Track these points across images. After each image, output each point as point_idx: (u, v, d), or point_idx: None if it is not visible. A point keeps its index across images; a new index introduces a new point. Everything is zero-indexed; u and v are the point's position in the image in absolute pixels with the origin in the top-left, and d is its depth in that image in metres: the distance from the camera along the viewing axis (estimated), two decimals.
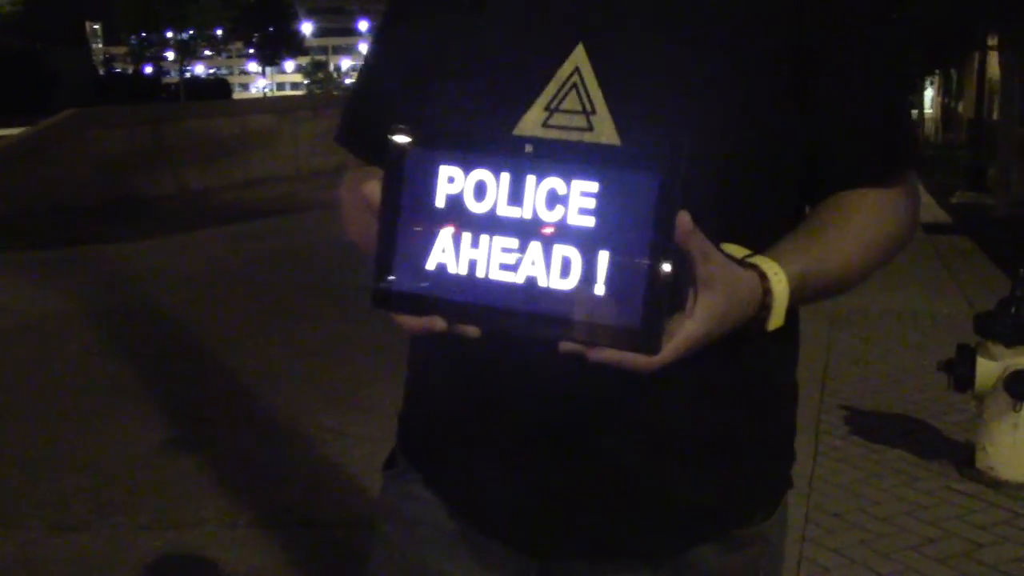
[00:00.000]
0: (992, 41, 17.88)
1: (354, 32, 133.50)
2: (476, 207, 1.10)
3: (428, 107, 1.34)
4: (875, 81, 1.34)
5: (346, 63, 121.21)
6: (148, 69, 75.79)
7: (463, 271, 1.11)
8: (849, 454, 4.78)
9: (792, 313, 1.25)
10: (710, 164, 1.19)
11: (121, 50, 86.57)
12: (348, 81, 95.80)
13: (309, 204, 14.83)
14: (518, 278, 1.09)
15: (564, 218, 1.07)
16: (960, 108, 37.97)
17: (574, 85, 1.27)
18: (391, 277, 1.13)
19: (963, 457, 4.66)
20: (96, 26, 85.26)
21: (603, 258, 1.06)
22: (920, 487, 4.45)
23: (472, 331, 1.10)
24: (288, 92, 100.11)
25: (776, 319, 1.20)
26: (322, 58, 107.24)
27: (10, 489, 4.80)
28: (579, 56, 1.26)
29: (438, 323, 1.11)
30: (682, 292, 1.09)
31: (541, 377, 1.23)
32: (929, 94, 40.62)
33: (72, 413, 5.93)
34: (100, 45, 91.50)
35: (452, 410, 1.40)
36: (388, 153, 1.14)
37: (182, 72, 69.66)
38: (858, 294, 7.58)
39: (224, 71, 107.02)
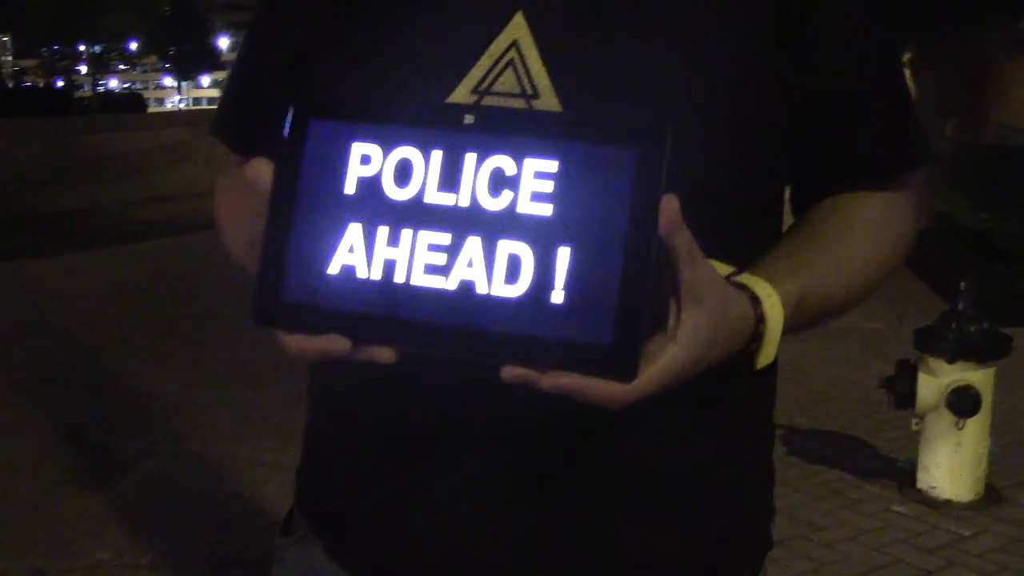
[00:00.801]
0: (905, 57, 18.10)
1: None
2: (397, 193, 0.85)
3: (331, 84, 1.08)
4: (878, 67, 1.12)
5: None
6: (60, 83, 74.66)
7: (376, 276, 0.85)
8: (787, 476, 4.60)
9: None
10: (688, 154, 0.89)
11: (32, 63, 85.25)
12: None
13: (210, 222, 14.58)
14: (450, 284, 0.84)
15: (512, 205, 0.83)
16: None
17: (511, 62, 1.02)
18: (281, 284, 0.87)
19: (904, 477, 4.51)
20: (5, 38, 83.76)
21: (563, 256, 0.82)
22: (862, 509, 4.31)
23: (386, 354, 0.84)
24: (204, 107, 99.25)
25: (767, 353, 0.97)
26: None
27: None
28: (518, 27, 1.02)
29: (340, 343, 0.84)
30: (663, 306, 0.86)
31: (479, 414, 0.97)
32: None
33: None
34: (9, 58, 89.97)
35: (365, 460, 1.12)
36: (290, 127, 0.88)
37: (95, 86, 68.68)
38: None
39: (139, 85, 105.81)
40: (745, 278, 0.96)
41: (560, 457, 1.01)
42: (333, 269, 0.85)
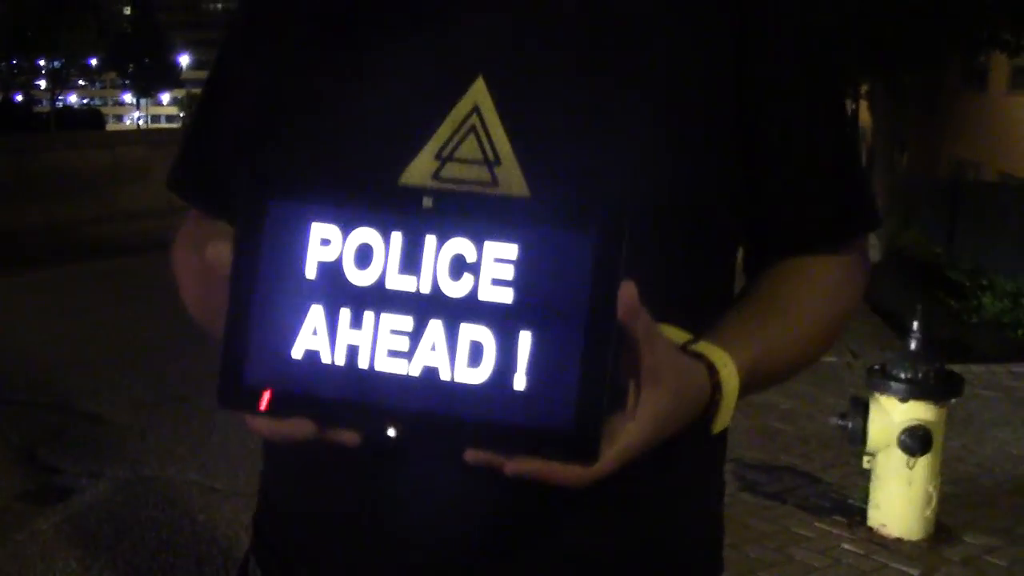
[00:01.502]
0: (863, 89, 18.27)
1: None
2: (358, 277, 0.86)
3: (289, 150, 1.08)
4: (828, 130, 1.13)
5: None
6: (18, 97, 73.88)
7: (340, 360, 0.86)
8: (738, 511, 4.61)
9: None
10: (640, 217, 0.91)
11: None
12: None
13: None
14: (413, 368, 0.85)
15: (474, 291, 0.84)
16: None
17: (472, 128, 1.02)
18: (244, 368, 0.87)
19: (854, 514, 4.55)
20: None
21: (524, 341, 0.83)
22: (813, 547, 4.32)
23: (351, 437, 0.86)
24: (163, 124, 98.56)
25: (723, 419, 0.99)
26: (198, 90, 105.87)
27: None
28: (479, 92, 1.02)
29: (305, 428, 0.86)
30: (622, 386, 0.87)
31: (441, 496, 0.98)
32: None
33: None
34: None
35: (321, 532, 1.11)
36: (242, 207, 0.89)
37: (53, 102, 68.01)
38: None
39: (98, 102, 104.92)
40: (702, 346, 0.98)
41: (518, 531, 1.03)
42: (296, 353, 0.86)
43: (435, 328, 0.84)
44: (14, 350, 8.29)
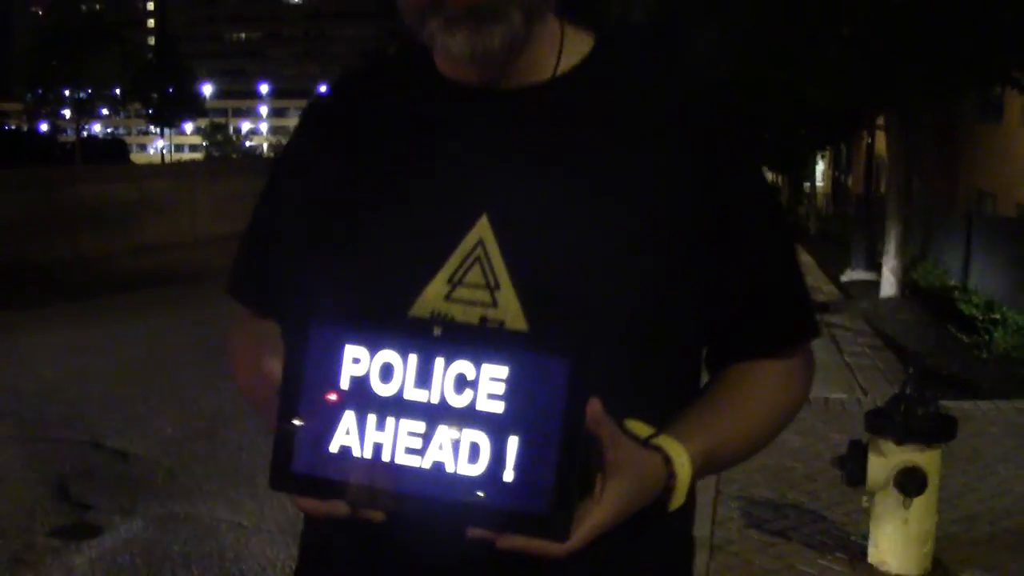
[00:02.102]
0: (879, 121, 18.45)
1: (254, 95, 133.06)
2: (382, 389, 1.09)
3: (326, 271, 1.32)
4: (776, 258, 1.37)
5: (245, 125, 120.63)
6: (44, 127, 74.56)
7: (368, 454, 1.08)
8: (744, 548, 4.80)
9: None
10: (615, 333, 1.20)
11: (16, 107, 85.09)
12: (248, 144, 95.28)
13: (204, 272, 14.61)
14: (425, 463, 1.07)
15: (473, 403, 1.07)
16: (850, 182, 38.85)
17: (477, 258, 1.24)
18: (292, 459, 1.10)
19: (856, 551, 4.72)
20: None
21: (512, 444, 1.05)
22: None
23: (377, 516, 1.08)
24: (187, 154, 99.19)
25: (678, 500, 1.20)
26: (221, 120, 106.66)
27: None
28: (483, 228, 1.25)
29: (341, 508, 1.09)
30: (590, 478, 1.09)
31: (447, 562, 1.19)
32: (820, 168, 41.63)
33: None
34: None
35: None
36: (289, 332, 1.13)
37: (79, 131, 68.59)
38: None
39: (122, 131, 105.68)
40: (661, 440, 1.20)
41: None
42: (333, 448, 1.09)
43: (443, 432, 1.07)
44: (44, 385, 8.52)
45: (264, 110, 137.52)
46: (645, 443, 1.18)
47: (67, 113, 70.33)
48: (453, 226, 1.26)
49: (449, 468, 1.07)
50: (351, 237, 1.31)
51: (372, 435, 1.09)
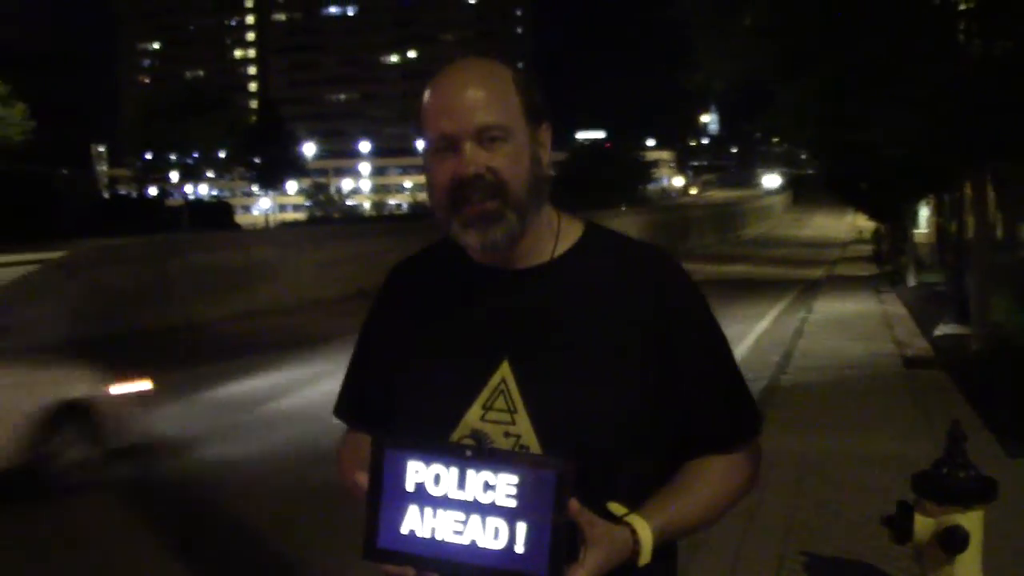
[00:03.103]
0: (967, 176, 18.51)
1: (354, 154, 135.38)
2: (434, 491, 1.63)
3: (400, 401, 1.90)
4: (715, 380, 1.90)
5: (347, 184, 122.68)
6: (152, 191, 76.90)
7: (427, 534, 1.62)
8: None
9: (667, 545, 1.78)
10: (601, 440, 1.76)
11: (126, 173, 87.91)
12: (349, 203, 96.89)
13: (310, 336, 15.23)
14: (464, 540, 1.61)
15: (494, 500, 1.60)
16: (953, 228, 37.80)
17: (502, 391, 1.80)
18: (376, 538, 1.64)
19: None
20: (101, 148, 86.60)
21: (521, 527, 1.58)
22: None
23: None
24: (290, 213, 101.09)
25: (644, 559, 1.71)
26: (323, 179, 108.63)
27: None
28: (505, 369, 1.81)
29: (410, 572, 1.62)
30: (576, 548, 1.61)
31: None
32: (924, 213, 40.64)
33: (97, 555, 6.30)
34: (105, 168, 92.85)
35: None
36: (372, 453, 1.66)
37: (185, 195, 70.63)
38: (830, 437, 7.92)
39: (227, 193, 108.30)
40: (630, 518, 1.72)
41: None
42: (404, 530, 1.63)
43: (475, 520, 1.60)
44: (160, 446, 9.14)
45: (365, 169, 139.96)
46: (618, 520, 1.70)
47: (174, 177, 72.36)
48: (483, 369, 1.82)
49: (480, 544, 1.60)
50: (410, 380, 1.89)
51: (429, 521, 1.62)
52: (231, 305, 18.78)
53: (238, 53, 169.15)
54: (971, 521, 4.79)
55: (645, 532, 1.71)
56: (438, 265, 1.97)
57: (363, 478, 1.66)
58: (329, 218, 46.88)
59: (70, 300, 15.49)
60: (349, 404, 2.09)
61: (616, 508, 1.73)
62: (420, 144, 1.88)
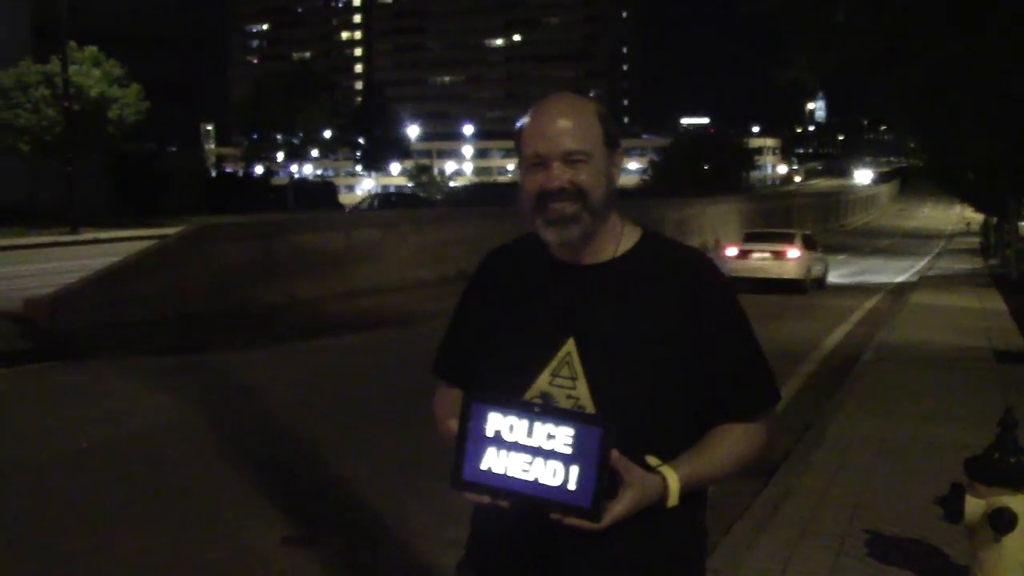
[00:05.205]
0: None
1: (457, 137, 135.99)
2: (509, 436, 2.08)
3: (485, 363, 2.37)
4: (741, 360, 2.32)
5: (449, 166, 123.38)
6: (259, 170, 78.26)
7: (500, 471, 2.07)
8: (861, 573, 5.52)
9: (693, 495, 2.22)
10: (643, 406, 2.20)
11: (232, 151, 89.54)
12: (452, 184, 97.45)
13: (411, 316, 15.65)
14: (529, 477, 2.06)
15: (554, 447, 2.05)
16: None
17: (567, 362, 2.26)
18: (462, 471, 2.10)
19: None
20: (210, 127, 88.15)
21: (573, 470, 2.03)
22: None
23: (504, 505, 2.07)
24: (393, 199, 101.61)
25: (671, 501, 2.15)
26: (426, 161, 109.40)
27: None
28: (570, 345, 2.27)
29: (487, 500, 2.08)
30: (615, 488, 2.05)
31: (540, 530, 2.16)
32: None
33: (196, 514, 6.78)
34: (213, 146, 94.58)
35: (494, 543, 2.36)
36: (462, 405, 2.12)
37: (290, 175, 71.76)
38: (911, 425, 8.16)
39: (331, 172, 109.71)
40: (662, 468, 2.15)
41: (569, 549, 2.20)
42: (483, 467, 2.08)
43: (539, 461, 2.04)
44: (263, 416, 9.65)
45: (468, 151, 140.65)
46: (651, 469, 2.14)
47: (280, 156, 73.41)
48: (553, 343, 2.28)
49: (541, 481, 2.04)
50: (495, 347, 2.36)
51: (503, 461, 2.07)
52: (333, 285, 19.16)
53: (344, 35, 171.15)
54: (1020, 504, 5.12)
55: (673, 480, 2.15)
56: (523, 256, 2.44)
57: (453, 424, 2.12)
58: (429, 208, 47.58)
59: (185, 275, 16.12)
60: (444, 363, 2.57)
61: (651, 460, 2.16)
62: (515, 160, 2.41)
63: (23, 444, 8.78)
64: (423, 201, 60.42)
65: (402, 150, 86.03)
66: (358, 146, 79.10)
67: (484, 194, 54.57)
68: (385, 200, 54.75)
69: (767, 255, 25.91)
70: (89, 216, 38.78)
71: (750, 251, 26.42)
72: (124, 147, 46.45)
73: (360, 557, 6.04)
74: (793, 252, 25.78)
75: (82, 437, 8.85)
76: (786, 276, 25.46)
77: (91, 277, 15.37)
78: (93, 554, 6.04)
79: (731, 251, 26.92)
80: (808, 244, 26.85)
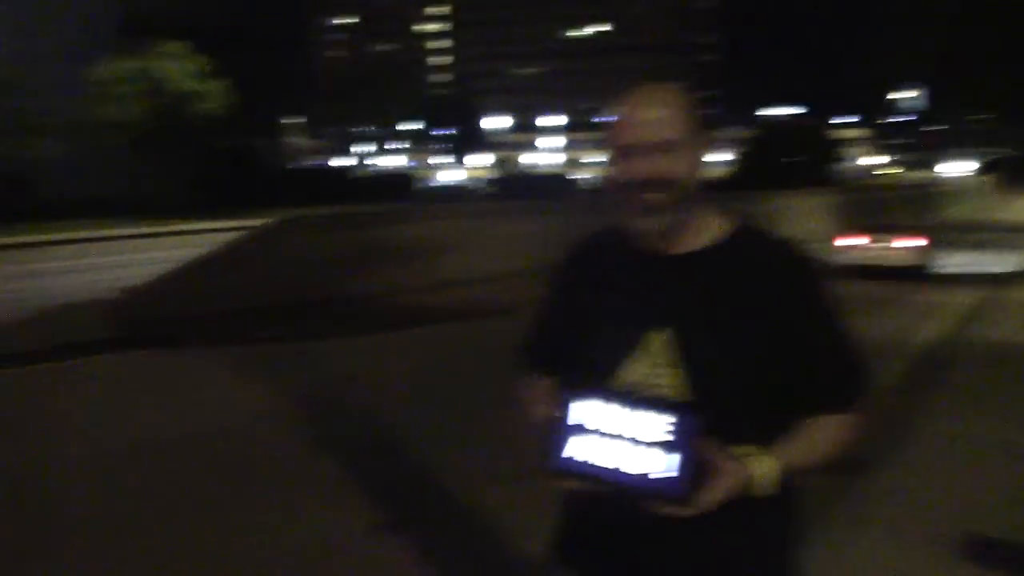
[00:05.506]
0: None
1: (542, 128, 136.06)
2: (601, 425, 2.07)
3: (575, 352, 2.36)
4: (836, 354, 2.31)
5: (535, 158, 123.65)
6: (345, 161, 79.04)
7: (593, 458, 2.07)
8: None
9: (786, 485, 2.21)
10: (736, 395, 2.19)
11: (317, 144, 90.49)
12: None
13: (500, 306, 15.58)
14: (621, 464, 2.05)
15: (647, 435, 2.04)
16: None
17: (661, 350, 2.26)
18: (554, 459, 2.09)
19: None
20: (294, 121, 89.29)
21: (666, 457, 2.02)
22: None
23: (595, 491, 2.06)
24: (477, 193, 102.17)
25: (758, 491, 2.14)
26: (508, 153, 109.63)
27: (245, 567, 5.73)
28: (664, 335, 2.27)
29: (578, 486, 2.08)
30: (707, 475, 2.04)
31: (630, 517, 2.16)
32: None
33: (282, 500, 6.86)
34: (298, 139, 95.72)
35: (583, 531, 2.39)
36: (557, 394, 2.12)
37: (373, 166, 72.32)
38: (1016, 424, 7.96)
39: (415, 164, 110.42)
40: (755, 457, 2.14)
41: (662, 534, 2.20)
42: (576, 454, 2.06)
43: (631, 449, 2.02)
44: (353, 405, 9.74)
45: (542, 142, 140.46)
46: (744, 458, 2.12)
47: (364, 148, 74.09)
48: (644, 332, 2.28)
49: (633, 468, 2.03)
50: (585, 337, 2.36)
51: (595, 449, 2.07)
52: (421, 275, 19.17)
53: (429, 27, 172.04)
54: None
55: (766, 469, 2.15)
56: (610, 246, 2.46)
57: (544, 412, 2.14)
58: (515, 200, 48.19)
59: (274, 266, 16.26)
60: (532, 352, 2.61)
61: (744, 448, 2.16)
62: (606, 149, 2.41)
63: (119, 430, 8.96)
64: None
65: (487, 141, 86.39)
66: (443, 137, 79.58)
67: (516, 184, 55.04)
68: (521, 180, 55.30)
69: (885, 244, 25.67)
70: (176, 208, 39.54)
71: (868, 239, 26.12)
72: (211, 140, 47.19)
73: (446, 546, 6.04)
74: (910, 241, 25.54)
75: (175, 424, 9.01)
76: (906, 263, 25.28)
77: (182, 268, 15.63)
78: (186, 538, 6.19)
79: (847, 241, 26.62)
80: (922, 233, 26.56)
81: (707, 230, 2.39)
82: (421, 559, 5.76)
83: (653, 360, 2.26)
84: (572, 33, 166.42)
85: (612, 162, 2.35)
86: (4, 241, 32.68)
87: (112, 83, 42.83)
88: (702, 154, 2.36)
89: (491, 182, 78.54)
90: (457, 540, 6.16)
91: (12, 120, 42.38)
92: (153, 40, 41.29)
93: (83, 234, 34.91)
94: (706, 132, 2.37)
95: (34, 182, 47.57)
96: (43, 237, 33.81)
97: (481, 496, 6.86)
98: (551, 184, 70.35)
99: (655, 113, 2.30)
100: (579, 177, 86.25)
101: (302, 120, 77.55)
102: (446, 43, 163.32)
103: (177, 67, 43.41)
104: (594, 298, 2.42)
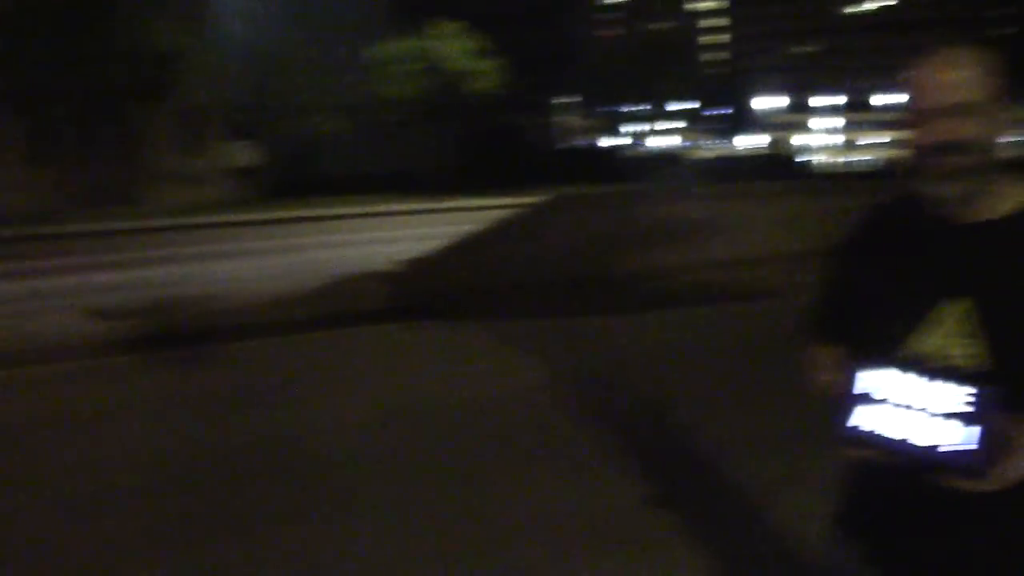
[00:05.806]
0: None
1: (818, 109, 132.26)
2: (894, 395, 2.14)
3: (865, 322, 2.39)
4: None
5: (800, 140, 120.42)
6: (616, 141, 79.05)
7: (885, 428, 2.14)
8: None
9: None
10: None
11: (586, 123, 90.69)
12: (810, 159, 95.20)
13: (769, 289, 15.29)
14: (914, 435, 2.10)
15: (942, 407, 2.08)
16: None
17: (959, 323, 2.26)
18: (849, 429, 2.17)
19: None
20: (566, 100, 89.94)
21: (963, 429, 2.05)
22: None
23: (885, 462, 2.14)
24: (737, 176, 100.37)
25: None
26: (778, 134, 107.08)
27: (515, 535, 5.94)
28: (962, 304, 2.27)
29: (867, 455, 2.16)
30: (1003, 451, 2.06)
31: (919, 490, 2.22)
32: None
33: (563, 468, 7.02)
34: (570, 118, 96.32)
35: (870, 503, 2.44)
36: (851, 365, 2.21)
37: (644, 146, 72.04)
38: None
39: (688, 143, 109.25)
40: None
41: (958, 506, 2.22)
42: (869, 424, 2.16)
43: (926, 420, 2.10)
44: (626, 380, 9.81)
45: (812, 123, 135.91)
46: None
47: (635, 128, 73.82)
48: (939, 303, 2.29)
49: (926, 439, 2.08)
50: (876, 307, 2.39)
51: (888, 419, 2.14)
52: (688, 255, 19.04)
53: (702, 5, 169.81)
54: None
55: None
56: (899, 215, 2.46)
57: (835, 382, 2.23)
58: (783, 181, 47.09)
59: (545, 243, 16.58)
60: (820, 322, 2.63)
61: None
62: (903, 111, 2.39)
63: (401, 394, 9.44)
64: None
65: (760, 122, 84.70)
66: (714, 117, 78.58)
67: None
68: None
69: None
70: (447, 185, 40.57)
71: None
72: (484, 119, 48.14)
73: (716, 521, 6.06)
74: None
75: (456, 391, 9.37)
76: None
77: (461, 241, 16.09)
78: (470, 499, 6.48)
79: None
80: None
81: (1007, 198, 2.32)
82: (689, 535, 5.78)
83: (947, 331, 2.25)
84: (852, 9, 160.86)
85: (910, 126, 2.32)
86: (286, 215, 34.49)
87: (390, 63, 44.23)
88: (1004, 118, 2.29)
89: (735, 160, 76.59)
90: (727, 516, 6.17)
91: (294, 100, 44.48)
92: (427, 20, 42.36)
93: (360, 209, 36.38)
94: (1007, 96, 2.30)
95: (314, 159, 49.84)
96: (323, 211, 35.43)
97: (751, 475, 6.82)
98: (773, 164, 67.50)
99: (954, 75, 2.26)
100: (808, 159, 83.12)
101: (576, 99, 77.95)
102: (722, 21, 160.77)
103: (454, 46, 44.41)
104: (886, 267, 2.40)
